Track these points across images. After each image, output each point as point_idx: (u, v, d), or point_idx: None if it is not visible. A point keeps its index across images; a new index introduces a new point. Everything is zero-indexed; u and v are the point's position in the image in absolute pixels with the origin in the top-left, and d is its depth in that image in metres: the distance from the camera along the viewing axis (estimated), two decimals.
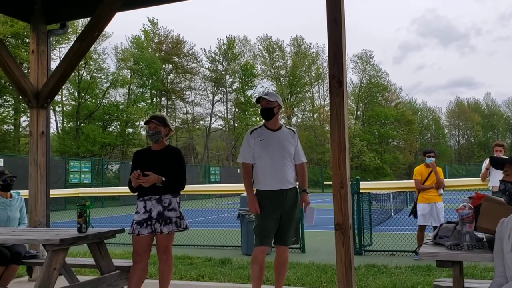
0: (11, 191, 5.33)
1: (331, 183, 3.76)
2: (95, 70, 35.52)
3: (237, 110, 49.33)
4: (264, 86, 54.29)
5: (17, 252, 4.81)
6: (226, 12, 72.27)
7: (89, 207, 4.00)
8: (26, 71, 12.22)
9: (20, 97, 6.77)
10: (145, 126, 4.22)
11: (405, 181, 8.80)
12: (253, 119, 47.98)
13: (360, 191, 7.95)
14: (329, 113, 3.77)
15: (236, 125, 47.14)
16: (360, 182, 8.00)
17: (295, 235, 4.45)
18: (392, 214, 14.68)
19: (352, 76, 54.93)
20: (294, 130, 4.56)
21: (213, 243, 8.83)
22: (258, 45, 52.72)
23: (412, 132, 55.27)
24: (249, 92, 49.49)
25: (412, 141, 55.73)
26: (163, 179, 4.01)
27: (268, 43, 52.62)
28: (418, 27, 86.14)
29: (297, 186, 4.44)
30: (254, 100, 4.42)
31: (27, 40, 28.76)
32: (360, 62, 54.55)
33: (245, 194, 5.03)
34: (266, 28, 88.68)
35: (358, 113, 55.06)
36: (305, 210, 4.51)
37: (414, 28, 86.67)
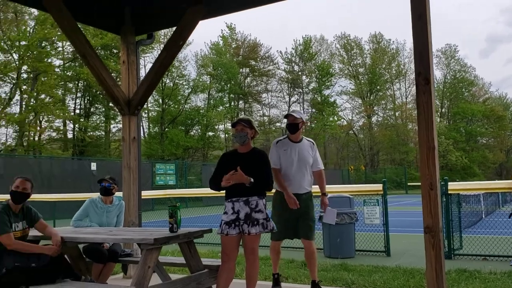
0: (115, 195, 5.56)
1: (415, 184, 3.67)
2: (177, 77, 37.18)
3: (313, 110, 49.04)
4: (342, 85, 53.66)
5: (114, 250, 5.14)
6: (301, 13, 72.07)
7: (179, 208, 4.18)
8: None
9: (113, 105, 7.21)
10: (230, 129, 4.32)
11: (497, 181, 8.27)
12: (331, 118, 47.44)
13: (449, 192, 7.61)
14: (411, 111, 3.68)
15: (313, 125, 46.65)
16: (449, 183, 7.66)
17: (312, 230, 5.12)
18: (483, 216, 13.84)
19: (435, 72, 52.59)
20: (313, 142, 5.35)
21: (291, 245, 8.80)
22: (336, 44, 52.19)
23: (503, 129, 51.77)
24: (326, 92, 49.09)
25: (503, 139, 52.26)
26: (252, 180, 4.09)
27: (345, 41, 51.84)
28: (508, 17, 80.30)
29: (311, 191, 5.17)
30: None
31: (115, 51, 30.68)
32: (444, 57, 52.16)
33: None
34: (342, 27, 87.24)
35: (443, 110, 52.47)
36: (324, 211, 5.41)
37: (503, 19, 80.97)
